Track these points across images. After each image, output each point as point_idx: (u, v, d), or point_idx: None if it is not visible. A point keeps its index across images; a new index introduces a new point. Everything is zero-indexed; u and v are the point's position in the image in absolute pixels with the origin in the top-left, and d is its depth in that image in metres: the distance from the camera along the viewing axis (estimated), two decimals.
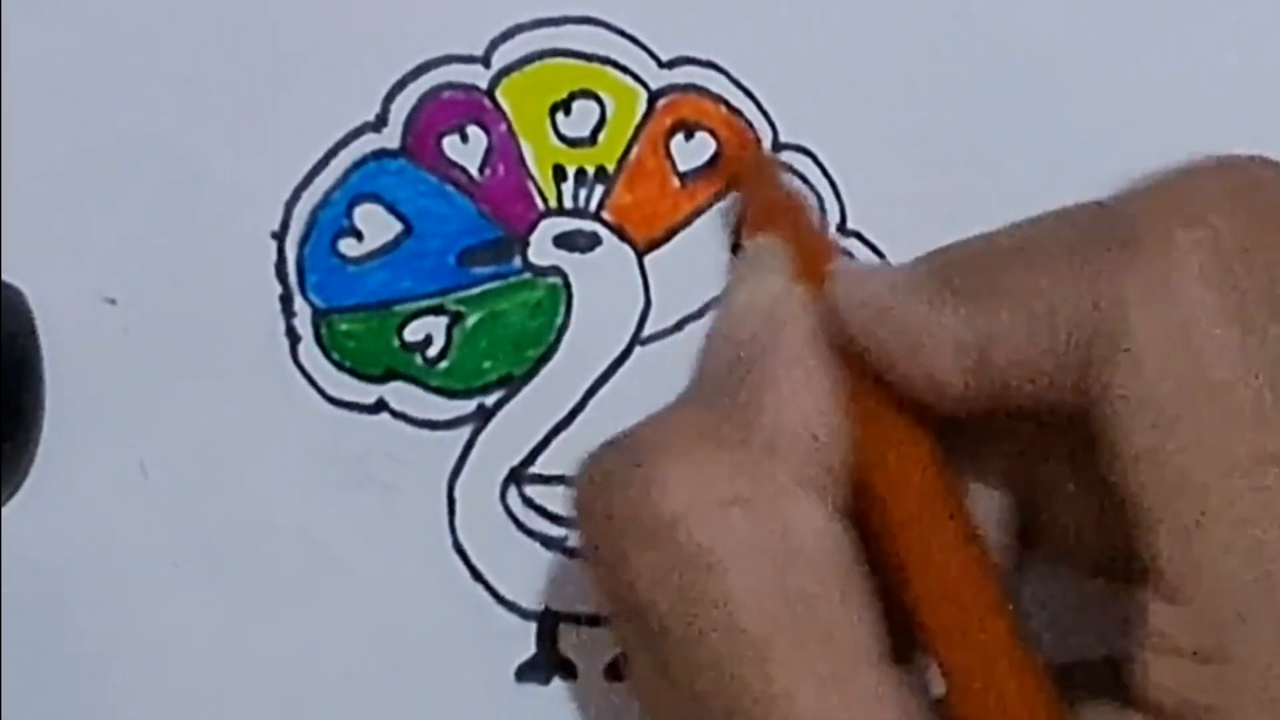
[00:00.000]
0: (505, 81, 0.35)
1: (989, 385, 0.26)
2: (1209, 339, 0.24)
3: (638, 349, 0.35)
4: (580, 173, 0.35)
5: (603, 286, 0.35)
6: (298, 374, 0.34)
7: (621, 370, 0.35)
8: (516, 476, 0.35)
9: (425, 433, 0.35)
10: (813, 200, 0.34)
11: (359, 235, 0.35)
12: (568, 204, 0.35)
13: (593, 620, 0.35)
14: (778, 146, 0.35)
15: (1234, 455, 0.24)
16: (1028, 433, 0.29)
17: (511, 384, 0.35)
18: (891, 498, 0.28)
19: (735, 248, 0.35)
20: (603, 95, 0.35)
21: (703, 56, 0.35)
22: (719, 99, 0.35)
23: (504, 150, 0.35)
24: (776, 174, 0.34)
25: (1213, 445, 0.24)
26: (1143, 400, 0.24)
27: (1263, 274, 0.24)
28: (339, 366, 0.34)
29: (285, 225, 0.34)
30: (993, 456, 0.29)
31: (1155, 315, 0.24)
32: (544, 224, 0.35)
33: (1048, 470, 0.28)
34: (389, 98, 0.35)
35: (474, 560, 0.35)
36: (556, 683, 0.35)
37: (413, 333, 0.35)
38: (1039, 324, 0.25)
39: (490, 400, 0.35)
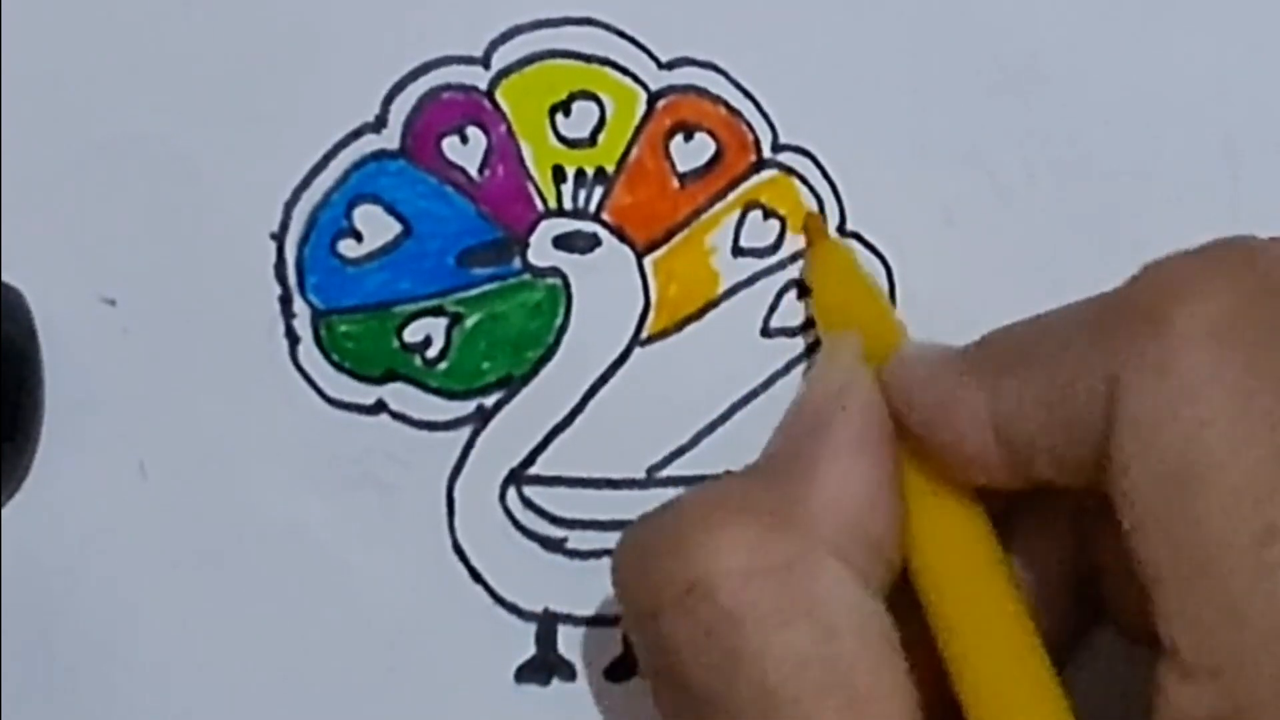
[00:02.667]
0: (505, 82, 0.35)
1: (1016, 461, 0.27)
2: (1209, 414, 0.24)
3: (637, 350, 0.35)
4: (580, 174, 0.35)
5: (602, 288, 0.35)
6: (297, 375, 0.34)
7: (621, 371, 0.35)
8: (516, 477, 0.35)
9: (425, 434, 0.35)
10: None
11: (358, 236, 0.34)
12: (567, 205, 0.35)
13: (592, 621, 0.35)
14: (777, 147, 0.35)
15: (1238, 530, 0.24)
16: (1083, 503, 0.29)
17: (511, 385, 0.35)
18: (938, 576, 0.28)
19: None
20: (602, 96, 0.35)
21: (702, 57, 0.35)
22: (718, 100, 0.35)
23: (503, 151, 0.35)
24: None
25: (1217, 520, 0.24)
26: (1148, 476, 0.25)
27: (1257, 346, 0.25)
28: (338, 367, 0.34)
29: (285, 226, 0.34)
30: (1054, 525, 0.30)
31: (1157, 392, 0.25)
32: (543, 225, 0.35)
33: (1105, 540, 0.29)
34: (389, 99, 0.35)
35: (473, 561, 0.35)
36: (556, 684, 0.35)
37: (412, 334, 0.35)
38: (1055, 402, 0.26)
39: (490, 401, 0.35)
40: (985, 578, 0.28)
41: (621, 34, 0.35)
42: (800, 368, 0.36)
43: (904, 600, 0.29)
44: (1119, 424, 0.25)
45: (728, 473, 0.31)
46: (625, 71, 0.35)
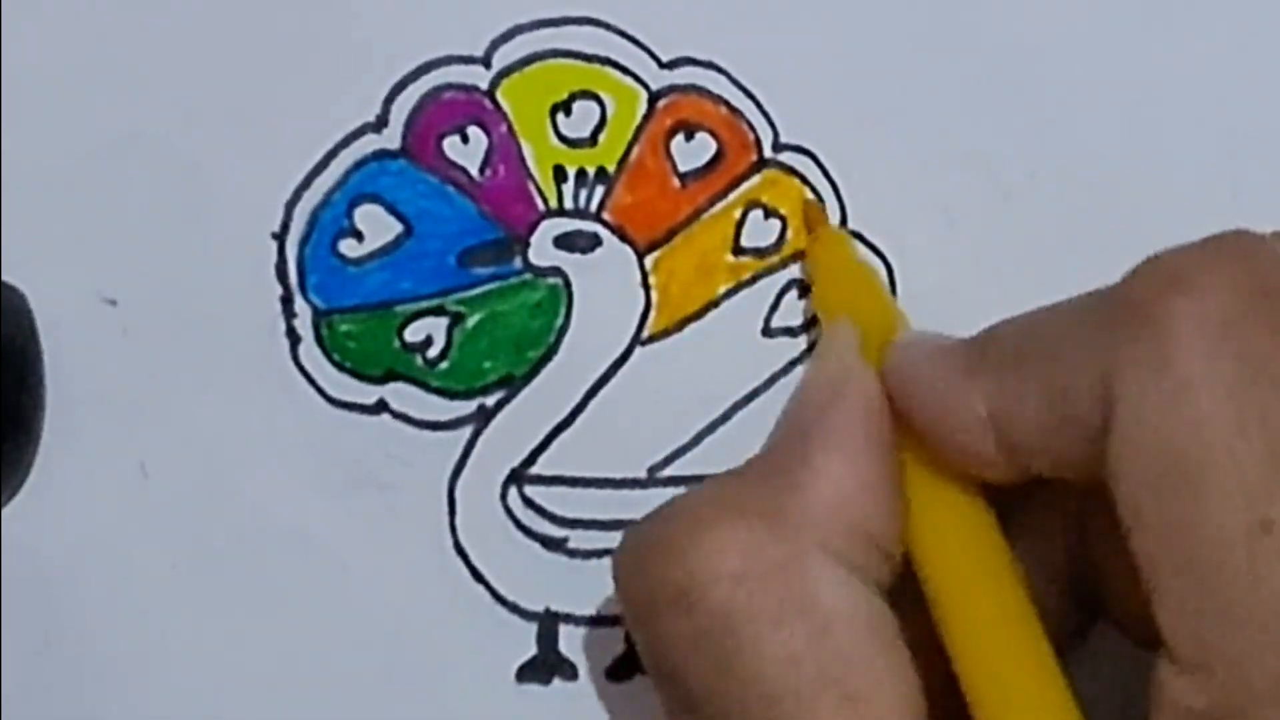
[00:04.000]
0: (506, 82, 0.35)
1: (1015, 458, 0.27)
2: (1204, 411, 0.24)
3: (638, 349, 0.35)
4: (581, 173, 0.35)
5: (603, 287, 0.35)
6: (298, 375, 0.34)
7: (622, 371, 0.35)
8: (517, 477, 0.35)
9: (426, 433, 0.35)
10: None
11: (359, 236, 0.34)
12: (568, 204, 0.35)
13: (594, 621, 0.35)
14: (778, 147, 0.35)
15: (1233, 526, 0.24)
16: (1083, 500, 0.29)
17: (512, 384, 0.35)
18: (941, 569, 0.28)
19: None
20: (603, 96, 0.35)
21: (703, 57, 0.35)
22: (719, 99, 0.35)
23: (504, 151, 0.35)
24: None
25: (1212, 516, 0.24)
26: (1145, 472, 0.25)
27: (1254, 342, 0.25)
28: (339, 367, 0.34)
29: (286, 226, 0.34)
30: (1054, 522, 0.30)
31: (1153, 390, 0.25)
32: (544, 225, 0.35)
33: (1104, 537, 0.29)
34: (389, 98, 0.35)
35: (474, 561, 0.35)
36: (557, 683, 0.35)
37: (413, 333, 0.35)
38: (1052, 400, 0.26)
39: (491, 401, 0.35)
40: (989, 570, 0.28)
41: (622, 33, 0.35)
42: (801, 368, 0.36)
43: (912, 594, 0.29)
44: (1115, 422, 0.25)
45: (726, 472, 0.31)
46: (626, 71, 0.35)
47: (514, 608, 0.35)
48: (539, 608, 0.35)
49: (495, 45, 0.35)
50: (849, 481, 0.28)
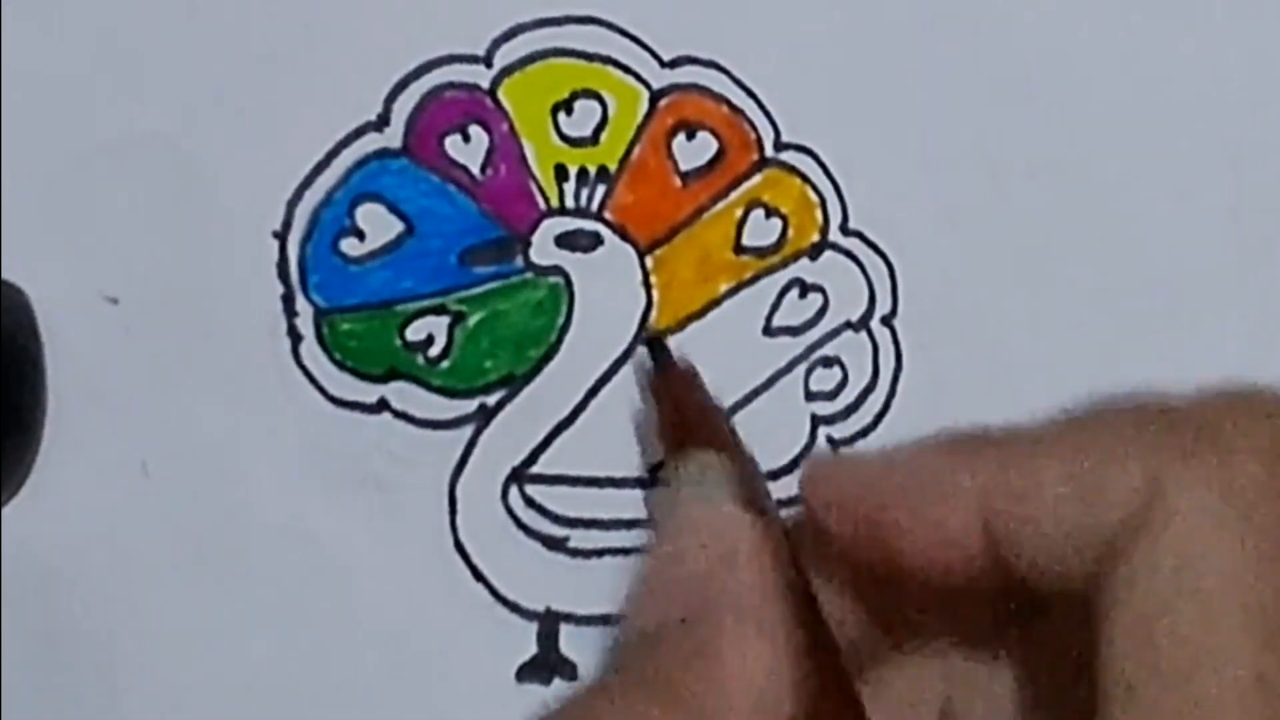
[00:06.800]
0: (507, 81, 0.35)
1: (997, 555, 0.25)
2: (1233, 554, 0.23)
3: (640, 349, 0.35)
4: (582, 172, 0.35)
5: (604, 286, 0.35)
6: (299, 374, 0.34)
7: (623, 370, 0.35)
8: (518, 476, 0.35)
9: (427, 432, 0.35)
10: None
11: (361, 235, 0.34)
12: (569, 203, 0.35)
13: (595, 620, 0.35)
14: (779, 146, 0.35)
15: (1236, 673, 0.23)
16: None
17: (513, 384, 0.35)
18: None
19: (656, 468, 0.34)
20: (604, 95, 0.35)
21: (705, 56, 0.35)
22: (721, 99, 0.35)
23: (506, 150, 0.35)
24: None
25: (1216, 657, 0.23)
26: (1169, 581, 0.23)
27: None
28: (340, 366, 0.34)
29: (287, 224, 0.34)
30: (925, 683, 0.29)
31: (1206, 500, 0.23)
32: (546, 224, 0.35)
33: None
34: (391, 97, 0.35)
35: (475, 560, 0.35)
36: (558, 683, 0.35)
37: (414, 332, 0.35)
38: (1084, 489, 0.24)
39: (492, 400, 0.35)
40: None
41: (624, 32, 0.35)
42: (802, 367, 0.36)
43: None
44: (1154, 526, 0.23)
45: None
46: (627, 70, 0.35)
47: (515, 607, 0.35)
48: (540, 607, 0.35)
49: (497, 44, 0.35)
50: (758, 673, 0.25)
